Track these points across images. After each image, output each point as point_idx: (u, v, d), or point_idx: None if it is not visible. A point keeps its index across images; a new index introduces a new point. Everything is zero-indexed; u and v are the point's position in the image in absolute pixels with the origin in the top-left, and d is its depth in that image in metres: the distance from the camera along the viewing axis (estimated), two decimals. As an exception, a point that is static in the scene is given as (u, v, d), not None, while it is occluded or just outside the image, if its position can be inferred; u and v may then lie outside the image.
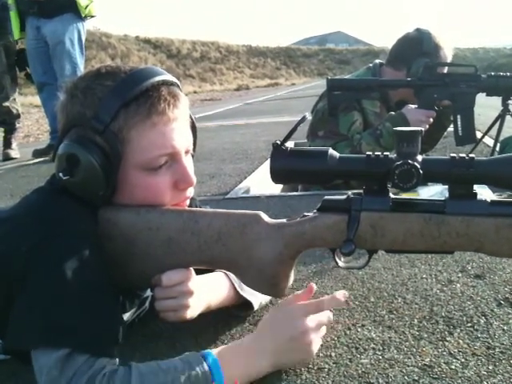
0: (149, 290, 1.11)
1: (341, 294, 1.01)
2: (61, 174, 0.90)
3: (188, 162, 0.98)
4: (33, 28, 4.12)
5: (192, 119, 1.03)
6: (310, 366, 0.98)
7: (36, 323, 0.79)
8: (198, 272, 1.01)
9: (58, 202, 0.91)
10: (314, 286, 1.02)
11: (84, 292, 0.82)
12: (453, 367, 0.95)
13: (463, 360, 0.97)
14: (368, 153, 0.86)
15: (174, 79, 0.98)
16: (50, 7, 4.01)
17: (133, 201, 0.95)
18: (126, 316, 1.06)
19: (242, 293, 1.10)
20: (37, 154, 4.24)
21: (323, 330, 0.99)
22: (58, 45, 4.09)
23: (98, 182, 0.90)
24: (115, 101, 0.90)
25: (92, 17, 4.28)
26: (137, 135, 0.91)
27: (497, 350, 1.00)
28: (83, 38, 4.29)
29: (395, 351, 1.01)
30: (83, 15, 4.17)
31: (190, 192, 1.00)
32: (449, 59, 2.21)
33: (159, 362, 0.83)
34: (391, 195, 0.88)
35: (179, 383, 0.80)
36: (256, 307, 1.15)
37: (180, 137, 0.95)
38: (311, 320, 0.94)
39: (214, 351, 0.88)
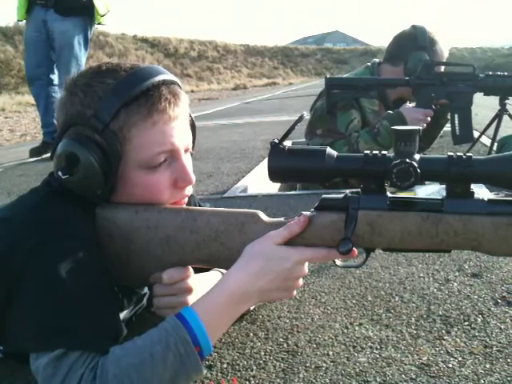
0: (146, 287, 1.11)
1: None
2: (60, 173, 0.90)
3: (187, 161, 0.98)
4: (38, 21, 4.04)
5: (191, 117, 1.03)
6: (308, 364, 0.98)
7: (31, 328, 0.80)
8: (196, 271, 1.01)
9: (55, 205, 0.91)
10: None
11: (79, 293, 0.82)
12: (450, 366, 0.96)
13: (460, 358, 0.98)
14: (366, 152, 0.86)
15: (175, 78, 0.98)
16: (66, 4, 3.94)
17: (132, 199, 0.95)
18: (124, 314, 1.06)
19: None
20: (33, 152, 4.23)
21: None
22: (67, 46, 4.04)
23: (97, 180, 0.90)
24: (115, 100, 0.89)
25: (100, 24, 4.24)
26: (137, 134, 0.91)
27: (494, 348, 1.00)
28: (89, 42, 4.26)
29: (392, 350, 1.02)
30: (96, 22, 4.13)
31: (189, 190, 1.00)
32: (445, 54, 2.22)
33: (137, 338, 0.81)
34: (389, 194, 0.88)
35: (158, 358, 0.77)
36: (253, 306, 1.15)
37: (180, 135, 0.95)
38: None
39: (195, 307, 0.84)
